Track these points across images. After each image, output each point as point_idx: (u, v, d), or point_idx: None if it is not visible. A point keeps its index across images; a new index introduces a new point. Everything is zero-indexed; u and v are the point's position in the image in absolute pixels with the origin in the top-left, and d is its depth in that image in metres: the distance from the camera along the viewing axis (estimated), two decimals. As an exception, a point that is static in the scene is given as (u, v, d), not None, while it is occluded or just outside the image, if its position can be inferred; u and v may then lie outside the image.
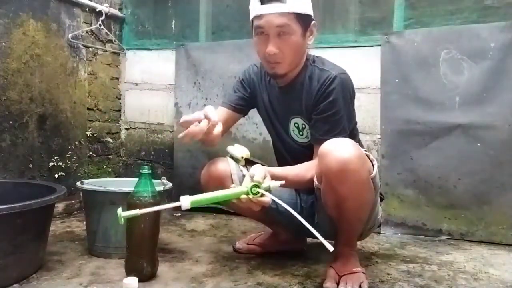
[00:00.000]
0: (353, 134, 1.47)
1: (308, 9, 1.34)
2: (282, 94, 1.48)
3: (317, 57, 1.46)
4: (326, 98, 1.34)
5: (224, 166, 1.50)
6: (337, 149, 1.20)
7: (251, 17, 1.36)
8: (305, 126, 1.45)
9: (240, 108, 1.57)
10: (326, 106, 1.34)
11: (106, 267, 1.47)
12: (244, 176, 1.49)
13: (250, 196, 1.15)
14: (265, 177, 1.19)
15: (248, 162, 1.53)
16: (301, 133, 1.47)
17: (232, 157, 1.52)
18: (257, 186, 1.16)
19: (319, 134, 1.36)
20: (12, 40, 1.98)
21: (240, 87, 1.58)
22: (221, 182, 1.49)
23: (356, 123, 1.51)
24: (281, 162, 1.62)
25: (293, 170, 1.35)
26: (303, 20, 1.32)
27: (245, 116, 1.65)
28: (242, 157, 1.50)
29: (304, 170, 1.35)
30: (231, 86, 1.62)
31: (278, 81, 1.47)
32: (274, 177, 1.22)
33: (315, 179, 1.34)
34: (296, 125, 1.47)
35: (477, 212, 1.94)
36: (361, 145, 1.50)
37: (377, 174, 1.33)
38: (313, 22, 1.37)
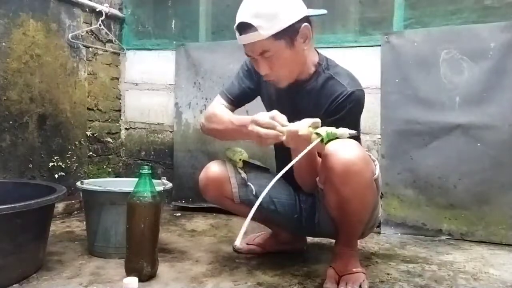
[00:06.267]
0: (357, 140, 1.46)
1: (288, 20, 1.24)
2: (291, 93, 1.43)
3: (330, 61, 1.41)
4: (336, 113, 1.31)
5: (222, 169, 1.49)
6: (341, 150, 1.19)
7: None
8: None
9: (241, 101, 1.53)
10: (333, 121, 1.30)
11: (106, 267, 1.47)
12: (242, 178, 1.50)
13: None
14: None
15: (246, 164, 1.52)
16: None
17: (229, 160, 1.52)
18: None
19: None
20: (12, 40, 1.98)
21: (246, 76, 1.52)
22: (219, 186, 1.49)
23: (359, 131, 1.49)
24: (280, 162, 1.61)
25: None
26: (285, 34, 1.26)
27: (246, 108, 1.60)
28: (240, 160, 1.49)
29: None
30: (235, 73, 1.56)
31: None
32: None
33: (317, 178, 1.33)
34: None
35: (477, 212, 1.94)
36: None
37: (380, 175, 1.33)
38: (303, 25, 1.27)
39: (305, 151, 1.14)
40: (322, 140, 1.16)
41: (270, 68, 1.31)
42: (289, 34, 1.27)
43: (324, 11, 1.36)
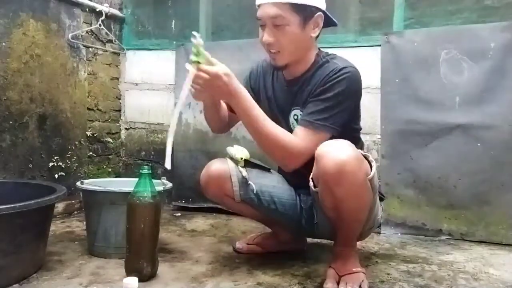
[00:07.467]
0: (357, 138, 1.46)
1: (309, 0, 1.32)
2: (289, 86, 1.46)
3: (329, 53, 1.45)
4: (326, 83, 1.33)
5: (223, 167, 1.50)
6: (333, 151, 1.20)
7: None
8: None
9: None
10: (322, 91, 1.33)
11: (106, 267, 1.47)
12: (243, 177, 1.50)
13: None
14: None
15: (248, 163, 1.53)
16: None
17: (231, 158, 1.52)
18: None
19: (304, 114, 1.35)
20: (12, 40, 1.97)
21: (245, 86, 1.55)
22: (220, 184, 1.49)
23: (360, 128, 1.50)
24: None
25: (269, 121, 1.32)
26: (302, 10, 1.31)
27: None
28: (242, 158, 1.50)
29: (280, 133, 1.31)
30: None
31: (285, 74, 1.46)
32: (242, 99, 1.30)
33: (311, 183, 1.33)
34: (296, 117, 1.45)
35: (477, 212, 1.94)
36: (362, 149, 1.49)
37: (376, 175, 1.33)
38: (318, 13, 1.35)
39: (187, 81, 1.23)
40: (199, 63, 1.21)
41: (276, 38, 1.33)
42: (305, 13, 1.32)
43: (336, 23, 1.42)
